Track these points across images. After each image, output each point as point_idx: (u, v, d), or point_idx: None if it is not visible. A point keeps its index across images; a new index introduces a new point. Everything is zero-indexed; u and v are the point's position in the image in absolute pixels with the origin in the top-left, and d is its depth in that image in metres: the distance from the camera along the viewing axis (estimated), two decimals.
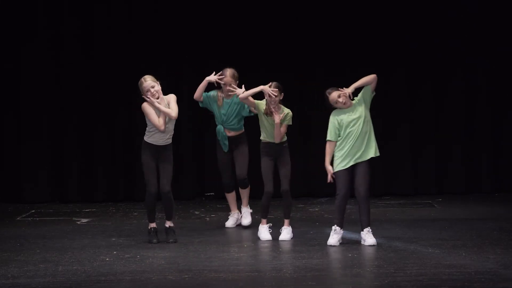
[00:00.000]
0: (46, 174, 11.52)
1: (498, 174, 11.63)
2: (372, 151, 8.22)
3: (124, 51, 11.47)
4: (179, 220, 9.93)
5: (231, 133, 9.26)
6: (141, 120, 11.33)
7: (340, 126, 8.22)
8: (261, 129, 8.69)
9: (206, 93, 9.23)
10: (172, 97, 8.43)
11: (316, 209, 10.65)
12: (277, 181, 8.68)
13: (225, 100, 9.19)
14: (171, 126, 8.43)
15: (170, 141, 8.47)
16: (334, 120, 8.26)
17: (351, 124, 8.20)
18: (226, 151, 9.27)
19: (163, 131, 8.33)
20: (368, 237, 8.15)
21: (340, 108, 8.25)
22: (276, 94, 8.48)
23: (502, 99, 11.54)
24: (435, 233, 8.68)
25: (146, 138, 8.48)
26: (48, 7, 11.45)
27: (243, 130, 9.31)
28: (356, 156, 8.19)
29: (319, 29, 11.47)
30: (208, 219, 10.11)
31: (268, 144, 8.65)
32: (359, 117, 8.21)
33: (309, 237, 8.71)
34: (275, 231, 8.65)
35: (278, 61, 11.34)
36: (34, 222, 10.12)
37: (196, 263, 7.52)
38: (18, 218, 10.37)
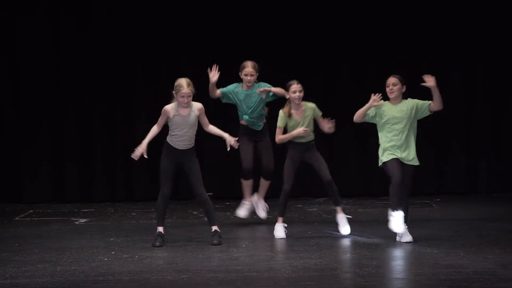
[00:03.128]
0: (45, 174, 11.52)
1: (496, 174, 11.64)
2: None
3: (124, 48, 11.45)
4: (178, 220, 9.94)
5: (255, 128, 9.31)
6: (141, 120, 11.45)
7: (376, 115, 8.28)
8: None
9: (226, 89, 9.24)
10: (202, 110, 8.30)
11: (315, 209, 10.66)
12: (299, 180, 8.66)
13: (246, 92, 9.21)
14: (193, 133, 8.32)
15: (193, 144, 8.34)
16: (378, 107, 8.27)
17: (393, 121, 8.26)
18: (258, 129, 9.26)
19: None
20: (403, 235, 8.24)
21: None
22: (301, 90, 8.56)
23: (501, 99, 11.55)
24: (433, 233, 8.68)
25: (169, 141, 8.35)
26: (46, 5, 11.45)
27: (265, 119, 9.35)
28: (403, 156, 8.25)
29: (318, 29, 11.48)
30: (206, 219, 10.10)
31: (296, 144, 8.65)
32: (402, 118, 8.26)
33: (308, 237, 8.71)
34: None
35: (277, 61, 11.34)
36: (32, 222, 10.11)
37: (194, 263, 7.52)
38: (16, 218, 10.37)
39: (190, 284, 6.78)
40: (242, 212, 9.53)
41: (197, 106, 8.29)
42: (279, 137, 8.69)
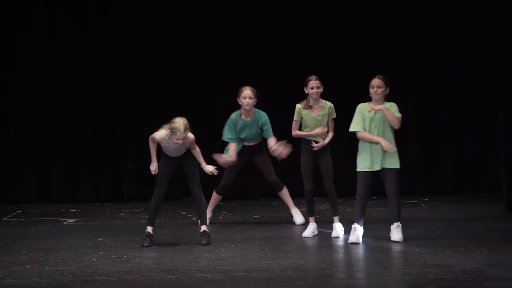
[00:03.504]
0: (33, 174, 11.49)
1: (484, 174, 11.67)
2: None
3: (114, 52, 11.45)
4: (166, 220, 9.92)
5: (251, 143, 9.28)
6: (129, 120, 11.44)
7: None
8: (304, 130, 8.66)
9: (229, 125, 9.16)
10: (193, 141, 8.28)
11: (303, 209, 10.65)
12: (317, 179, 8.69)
13: (244, 121, 9.16)
14: (183, 150, 8.34)
15: (187, 148, 8.37)
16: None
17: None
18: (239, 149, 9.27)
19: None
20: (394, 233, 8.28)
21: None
22: (319, 86, 8.55)
23: (490, 100, 11.55)
24: (421, 233, 8.69)
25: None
26: (44, 12, 11.40)
27: (261, 138, 9.33)
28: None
29: (318, 29, 11.47)
30: (195, 219, 10.09)
31: (309, 141, 8.63)
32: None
33: (296, 237, 8.71)
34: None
35: (277, 61, 11.37)
36: (20, 222, 10.07)
37: (183, 263, 7.51)
38: (4, 219, 10.33)
39: (178, 284, 6.77)
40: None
41: (188, 139, 8.25)
42: (296, 132, 8.65)
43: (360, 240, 8.25)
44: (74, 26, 11.42)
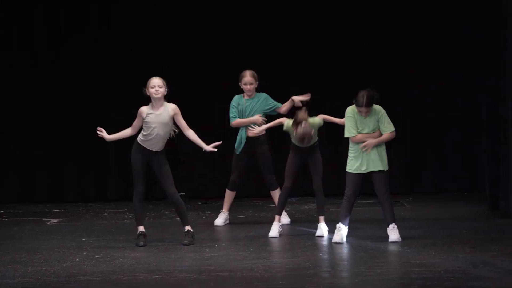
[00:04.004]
0: (16, 174, 11.44)
1: (467, 174, 11.71)
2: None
3: (95, 51, 11.42)
4: (150, 220, 9.90)
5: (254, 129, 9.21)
6: (113, 120, 11.40)
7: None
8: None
9: (233, 107, 9.26)
10: (176, 110, 8.27)
11: (287, 209, 10.65)
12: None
13: (247, 100, 9.23)
14: (164, 135, 8.26)
15: (161, 149, 8.31)
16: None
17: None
18: (238, 153, 9.30)
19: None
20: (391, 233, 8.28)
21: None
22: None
23: (473, 101, 11.57)
24: (405, 232, 8.71)
25: (140, 141, 8.30)
26: (20, 16, 11.37)
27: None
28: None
29: (318, 29, 11.50)
30: (178, 219, 10.08)
31: (297, 147, 8.65)
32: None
33: (280, 236, 8.71)
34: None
35: (276, 62, 11.39)
36: (3, 222, 10.03)
37: (166, 263, 7.50)
38: None
39: (162, 284, 6.76)
40: (219, 221, 9.54)
41: (171, 106, 8.27)
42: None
43: (344, 239, 8.26)
44: (74, 25, 11.39)
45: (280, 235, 8.67)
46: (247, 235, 8.79)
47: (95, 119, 11.44)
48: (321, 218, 8.73)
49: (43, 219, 10.20)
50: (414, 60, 11.54)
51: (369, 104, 8.14)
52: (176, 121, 8.28)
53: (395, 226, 8.31)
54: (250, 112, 9.23)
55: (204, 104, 11.42)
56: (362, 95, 8.15)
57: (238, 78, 9.32)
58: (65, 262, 7.57)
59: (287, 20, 11.48)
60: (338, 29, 11.49)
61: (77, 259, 7.70)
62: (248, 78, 9.24)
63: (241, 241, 8.52)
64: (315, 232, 8.72)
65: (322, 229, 8.67)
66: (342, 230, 8.27)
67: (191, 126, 8.31)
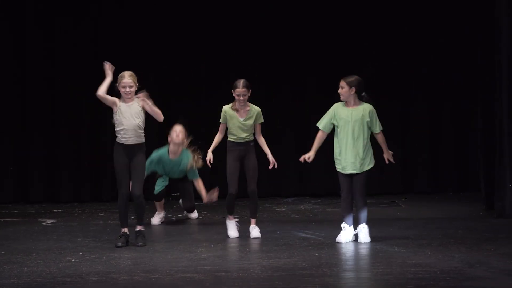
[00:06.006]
0: (11, 174, 11.42)
1: (462, 174, 11.74)
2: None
3: (95, 51, 11.41)
4: (146, 220, 9.88)
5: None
6: (107, 120, 11.36)
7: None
8: (229, 131, 8.61)
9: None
10: (149, 99, 8.31)
11: (283, 209, 10.67)
12: (243, 181, 8.66)
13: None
14: (138, 125, 8.30)
15: (142, 140, 8.33)
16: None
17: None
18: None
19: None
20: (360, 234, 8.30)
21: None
22: (245, 93, 8.48)
23: (468, 101, 11.60)
24: (401, 232, 8.73)
25: (117, 139, 8.36)
26: (11, 15, 11.36)
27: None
28: None
29: (318, 29, 11.51)
30: (174, 219, 10.09)
31: (235, 143, 8.61)
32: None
33: (276, 237, 8.72)
34: (244, 229, 8.66)
35: (276, 62, 11.39)
36: None
37: (162, 263, 7.50)
38: None
39: (158, 285, 6.76)
40: (155, 219, 9.71)
41: (144, 96, 8.32)
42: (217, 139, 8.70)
43: (349, 240, 8.24)
44: (73, 25, 11.39)
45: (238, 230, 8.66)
46: (243, 235, 8.79)
47: (90, 120, 11.45)
48: (253, 220, 8.68)
49: (39, 219, 10.19)
50: (414, 60, 11.55)
51: (351, 84, 8.15)
52: (145, 108, 8.30)
53: (366, 226, 8.28)
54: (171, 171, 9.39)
55: (204, 104, 11.40)
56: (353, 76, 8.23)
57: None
58: (61, 263, 7.57)
59: (287, 20, 11.49)
60: (338, 29, 11.50)
61: (73, 260, 7.70)
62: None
63: (237, 242, 8.52)
64: (310, 233, 8.71)
65: (255, 231, 8.62)
66: (346, 230, 8.26)
67: (157, 129, 8.27)
